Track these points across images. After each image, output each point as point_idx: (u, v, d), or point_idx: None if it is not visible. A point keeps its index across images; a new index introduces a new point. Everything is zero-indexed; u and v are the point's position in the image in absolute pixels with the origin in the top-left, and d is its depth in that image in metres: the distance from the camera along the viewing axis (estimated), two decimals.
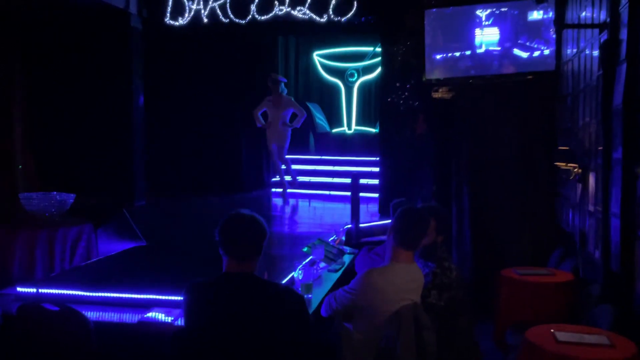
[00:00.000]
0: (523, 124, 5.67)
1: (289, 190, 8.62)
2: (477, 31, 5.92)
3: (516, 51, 5.78)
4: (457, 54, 6.02)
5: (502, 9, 5.80)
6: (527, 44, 5.69)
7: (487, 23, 5.88)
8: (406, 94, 6.65)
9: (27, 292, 3.42)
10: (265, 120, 8.45)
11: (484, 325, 4.20)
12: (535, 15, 5.66)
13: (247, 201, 8.28)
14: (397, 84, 6.71)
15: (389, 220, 3.57)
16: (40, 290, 3.41)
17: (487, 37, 5.89)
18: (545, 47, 5.63)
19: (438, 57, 6.15)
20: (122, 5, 7.66)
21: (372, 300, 2.76)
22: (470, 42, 5.97)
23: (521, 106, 5.69)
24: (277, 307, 2.36)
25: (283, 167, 8.59)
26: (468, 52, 5.98)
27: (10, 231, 4.21)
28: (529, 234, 5.52)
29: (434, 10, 6.15)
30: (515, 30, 5.78)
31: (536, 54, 5.69)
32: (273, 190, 9.06)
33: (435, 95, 6.21)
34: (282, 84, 8.39)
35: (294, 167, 9.50)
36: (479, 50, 5.95)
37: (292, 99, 8.58)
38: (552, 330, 2.89)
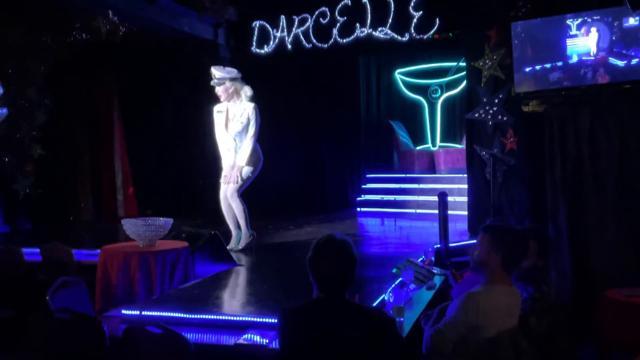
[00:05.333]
0: (622, 135, 5.37)
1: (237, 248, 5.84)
2: (569, 41, 5.69)
3: (612, 60, 5.50)
4: (548, 65, 5.81)
5: (595, 17, 5.55)
6: (624, 52, 5.41)
7: (578, 32, 5.65)
8: (494, 108, 6.47)
9: (131, 314, 3.60)
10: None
11: (585, 349, 3.99)
12: (632, 21, 5.38)
13: (333, 221, 8.34)
14: (484, 99, 6.55)
15: None
16: (143, 313, 3.57)
17: (579, 46, 5.65)
18: None
19: (527, 69, 5.97)
20: (211, 37, 8.05)
21: (472, 324, 2.66)
22: (562, 53, 5.75)
23: (619, 117, 5.40)
24: (369, 331, 2.35)
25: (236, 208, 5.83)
26: (559, 63, 5.76)
27: (113, 255, 4.45)
28: (631, 252, 5.19)
29: (521, 22, 5.98)
30: (610, 39, 5.52)
31: (634, 61, 5.39)
32: (358, 209, 9.06)
33: (526, 109, 6.01)
34: (239, 81, 5.76)
35: (376, 186, 9.41)
36: (571, 61, 5.72)
37: (255, 106, 5.78)
38: None
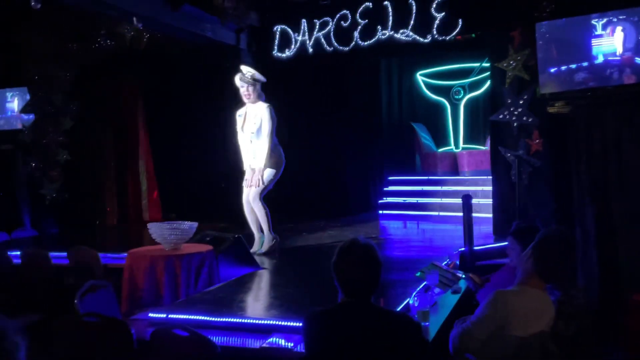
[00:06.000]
0: None
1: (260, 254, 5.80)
2: (594, 41, 5.63)
3: (638, 60, 5.42)
4: (573, 66, 5.74)
5: (620, 17, 5.48)
6: None
7: (604, 32, 5.57)
8: (519, 109, 6.40)
9: (158, 317, 3.63)
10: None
11: (613, 352, 3.93)
12: None
13: (355, 224, 8.32)
14: (509, 100, 6.49)
15: (506, 242, 3.45)
16: (169, 316, 3.61)
17: (605, 47, 5.58)
18: None
19: (552, 70, 5.90)
20: (234, 42, 8.12)
21: (500, 322, 2.63)
22: (587, 53, 5.68)
23: None
24: (394, 335, 2.34)
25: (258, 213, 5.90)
26: (585, 64, 5.69)
27: (140, 259, 4.50)
28: None
29: (545, 23, 5.92)
30: (636, 38, 5.44)
31: None
32: (380, 212, 9.03)
33: (551, 110, 5.94)
34: (259, 86, 5.87)
35: (398, 188, 9.35)
36: (596, 61, 5.64)
37: (269, 106, 5.83)
38: None
